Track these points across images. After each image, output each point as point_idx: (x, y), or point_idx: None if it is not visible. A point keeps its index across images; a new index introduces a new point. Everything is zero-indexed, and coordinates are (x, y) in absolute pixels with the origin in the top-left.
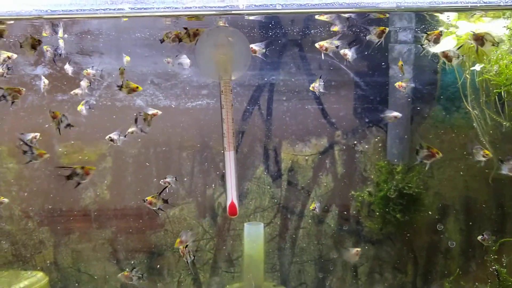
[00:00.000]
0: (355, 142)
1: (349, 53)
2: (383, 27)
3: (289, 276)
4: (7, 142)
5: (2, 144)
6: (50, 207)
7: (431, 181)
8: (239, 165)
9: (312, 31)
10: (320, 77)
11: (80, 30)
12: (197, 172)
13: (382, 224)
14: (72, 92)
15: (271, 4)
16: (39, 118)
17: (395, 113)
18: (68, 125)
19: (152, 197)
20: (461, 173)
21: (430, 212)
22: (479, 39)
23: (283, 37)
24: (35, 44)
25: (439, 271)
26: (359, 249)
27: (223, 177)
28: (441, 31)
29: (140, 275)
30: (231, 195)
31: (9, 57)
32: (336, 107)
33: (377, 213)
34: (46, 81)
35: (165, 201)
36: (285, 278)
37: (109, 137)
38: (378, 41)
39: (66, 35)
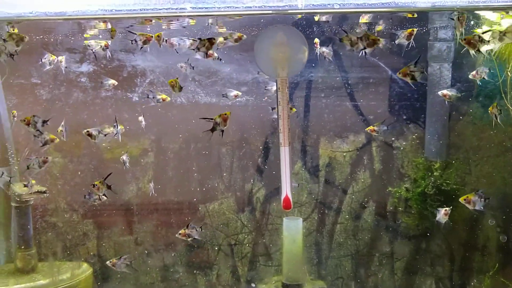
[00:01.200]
0: (393, 138)
1: (326, 51)
2: (411, 29)
3: (326, 270)
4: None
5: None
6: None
7: (469, 178)
8: (278, 160)
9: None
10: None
11: (123, 27)
12: (236, 167)
13: (419, 220)
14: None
15: (329, 4)
16: (84, 114)
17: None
18: (44, 121)
19: (99, 182)
20: (499, 170)
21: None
22: None
23: (322, 35)
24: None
25: (475, 267)
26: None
27: (261, 172)
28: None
29: (128, 263)
30: (286, 189)
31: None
32: (374, 104)
33: (414, 209)
34: (113, 82)
35: (108, 187)
36: (322, 272)
37: (87, 131)
38: (408, 43)
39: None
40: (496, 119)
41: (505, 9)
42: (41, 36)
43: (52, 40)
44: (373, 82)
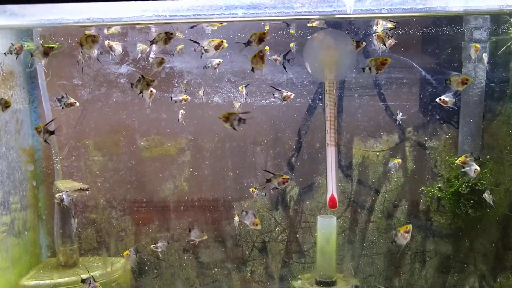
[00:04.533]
0: (426, 138)
1: (279, 59)
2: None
3: (359, 268)
4: (93, 136)
5: (89, 138)
6: (132, 197)
7: (503, 178)
8: (311, 160)
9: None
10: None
11: (161, 30)
12: (270, 166)
13: (451, 219)
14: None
15: (377, 9)
16: (123, 114)
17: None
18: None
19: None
20: None
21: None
22: None
23: (355, 36)
24: (48, 51)
25: (508, 267)
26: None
27: (294, 171)
28: None
29: (166, 242)
30: (332, 189)
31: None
32: (407, 104)
33: (447, 209)
34: (154, 91)
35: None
36: (355, 270)
37: (59, 196)
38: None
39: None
40: None
41: None
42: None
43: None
44: (406, 83)
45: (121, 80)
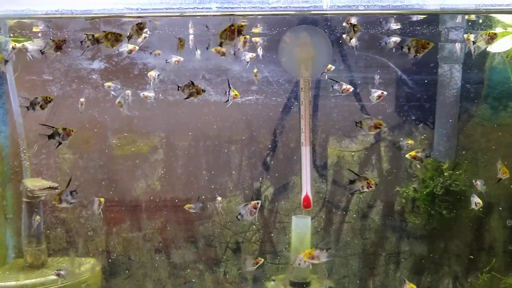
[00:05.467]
0: (401, 139)
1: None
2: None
3: (333, 269)
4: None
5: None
6: (103, 196)
7: (477, 179)
8: (286, 159)
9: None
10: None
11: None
12: (245, 165)
13: (426, 220)
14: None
15: (353, 5)
16: (94, 111)
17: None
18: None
19: None
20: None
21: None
22: None
23: (331, 35)
24: (60, 45)
25: (481, 268)
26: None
27: (270, 170)
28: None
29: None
30: (306, 188)
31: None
32: (383, 104)
33: (422, 209)
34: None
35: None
36: (329, 271)
37: None
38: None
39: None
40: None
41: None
42: (54, 33)
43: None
44: (382, 83)
45: (93, 76)
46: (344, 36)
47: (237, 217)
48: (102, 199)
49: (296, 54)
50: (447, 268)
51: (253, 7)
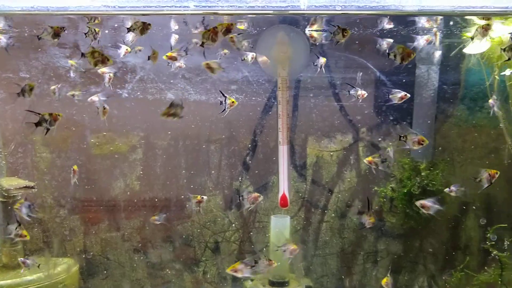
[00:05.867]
0: (379, 139)
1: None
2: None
3: (312, 268)
4: (41, 132)
5: (36, 134)
6: (81, 196)
7: (453, 179)
8: (266, 159)
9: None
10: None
11: (115, 23)
12: (225, 165)
13: (403, 220)
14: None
15: (331, 5)
16: (73, 109)
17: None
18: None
19: None
20: None
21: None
22: None
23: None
24: (58, 32)
25: (457, 266)
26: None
27: (249, 170)
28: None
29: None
30: (283, 187)
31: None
32: (362, 105)
33: (399, 209)
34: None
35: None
36: (307, 270)
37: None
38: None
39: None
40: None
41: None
42: (32, 30)
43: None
44: (361, 83)
45: (71, 75)
46: (333, 37)
47: (238, 197)
48: (75, 167)
49: (273, 53)
50: (424, 266)
51: (231, 6)
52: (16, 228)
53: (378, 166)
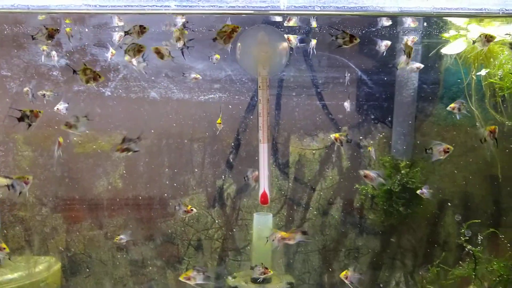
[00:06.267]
0: (361, 137)
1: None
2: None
3: (294, 265)
4: (23, 131)
5: (18, 132)
6: (63, 194)
7: (432, 177)
8: (249, 157)
9: (322, 30)
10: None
11: (97, 23)
12: (208, 163)
13: (384, 217)
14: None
15: (310, 6)
16: (55, 108)
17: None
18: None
19: None
20: (461, 169)
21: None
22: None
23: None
24: (53, 34)
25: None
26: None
27: (232, 168)
28: None
29: None
30: (264, 185)
31: None
32: (343, 104)
33: (380, 206)
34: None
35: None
36: (290, 267)
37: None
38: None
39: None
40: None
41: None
42: (13, 28)
43: (22, 31)
44: (342, 82)
45: (54, 73)
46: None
47: (244, 178)
48: (61, 138)
49: (253, 52)
50: (402, 262)
51: (212, 6)
52: None
53: (342, 144)
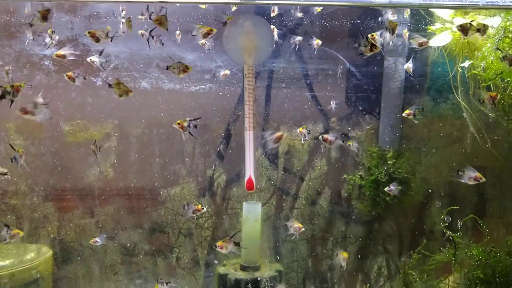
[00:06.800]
0: (349, 128)
1: (146, 34)
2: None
3: (283, 253)
4: (14, 119)
5: (9, 121)
6: (54, 183)
7: (419, 167)
8: (238, 148)
9: (308, 21)
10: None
11: (89, 12)
12: (198, 153)
13: (371, 206)
14: None
15: None
16: (47, 96)
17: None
18: None
19: None
20: (446, 160)
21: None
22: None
23: (283, 27)
24: (45, 15)
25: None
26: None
27: (222, 158)
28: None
29: None
30: (249, 171)
31: None
32: (331, 95)
33: (367, 196)
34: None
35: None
36: (279, 255)
37: None
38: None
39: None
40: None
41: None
42: (5, 17)
43: (14, 20)
44: (331, 74)
45: (45, 62)
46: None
47: (261, 141)
48: (20, 150)
49: (240, 42)
50: (386, 250)
51: None
52: (7, 231)
53: (305, 136)
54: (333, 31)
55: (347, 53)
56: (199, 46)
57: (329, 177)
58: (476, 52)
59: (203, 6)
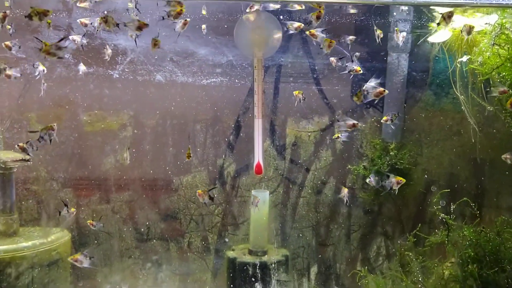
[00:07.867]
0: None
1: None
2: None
3: (289, 240)
4: (36, 109)
5: (31, 111)
6: (73, 170)
7: (420, 159)
8: (247, 139)
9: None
10: None
11: (106, 8)
12: (209, 143)
13: (374, 196)
14: None
15: None
16: (66, 88)
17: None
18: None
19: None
20: (447, 152)
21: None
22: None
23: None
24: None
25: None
26: None
27: (232, 148)
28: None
29: None
30: (258, 156)
31: None
32: (337, 89)
33: (370, 186)
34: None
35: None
36: (285, 241)
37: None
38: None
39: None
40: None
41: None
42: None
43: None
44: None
45: (65, 55)
46: None
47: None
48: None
49: (250, 35)
50: (391, 240)
51: None
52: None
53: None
54: (339, 27)
55: (353, 48)
56: (211, 42)
57: (334, 168)
58: (474, 48)
59: (204, 12)
